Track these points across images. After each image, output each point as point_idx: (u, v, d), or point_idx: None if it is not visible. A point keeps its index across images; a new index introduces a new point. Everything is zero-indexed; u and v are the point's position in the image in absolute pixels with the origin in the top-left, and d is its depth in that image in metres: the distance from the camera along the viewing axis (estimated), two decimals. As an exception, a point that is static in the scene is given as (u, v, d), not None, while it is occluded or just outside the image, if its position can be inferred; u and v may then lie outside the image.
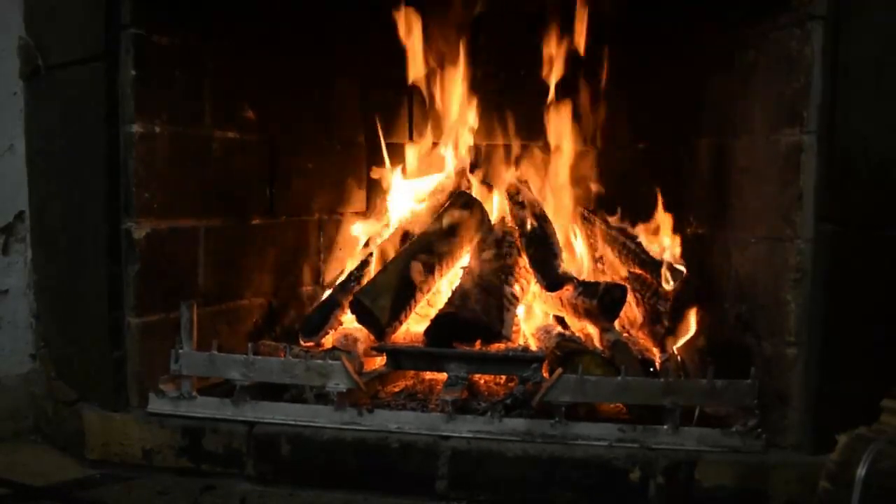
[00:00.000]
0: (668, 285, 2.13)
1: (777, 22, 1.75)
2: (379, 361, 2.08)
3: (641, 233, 2.31)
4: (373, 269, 2.36)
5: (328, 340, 2.23)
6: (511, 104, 2.64)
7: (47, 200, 2.09)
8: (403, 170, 2.69)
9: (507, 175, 2.61)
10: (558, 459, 1.72)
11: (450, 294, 2.25)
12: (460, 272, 2.37)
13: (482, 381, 2.07)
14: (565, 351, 2.00)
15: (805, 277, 1.70)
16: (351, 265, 2.47)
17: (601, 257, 2.45)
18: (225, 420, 1.84)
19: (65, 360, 2.08)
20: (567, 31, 2.42)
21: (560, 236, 2.39)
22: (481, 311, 2.10)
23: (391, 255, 2.37)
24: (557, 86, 2.49)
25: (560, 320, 2.30)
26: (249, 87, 2.17)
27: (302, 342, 2.22)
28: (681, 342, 2.07)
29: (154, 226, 1.91)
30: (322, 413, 1.82)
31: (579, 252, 2.49)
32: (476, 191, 2.58)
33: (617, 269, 2.36)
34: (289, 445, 1.79)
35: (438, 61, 2.56)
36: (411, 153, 2.72)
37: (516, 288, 2.25)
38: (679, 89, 2.22)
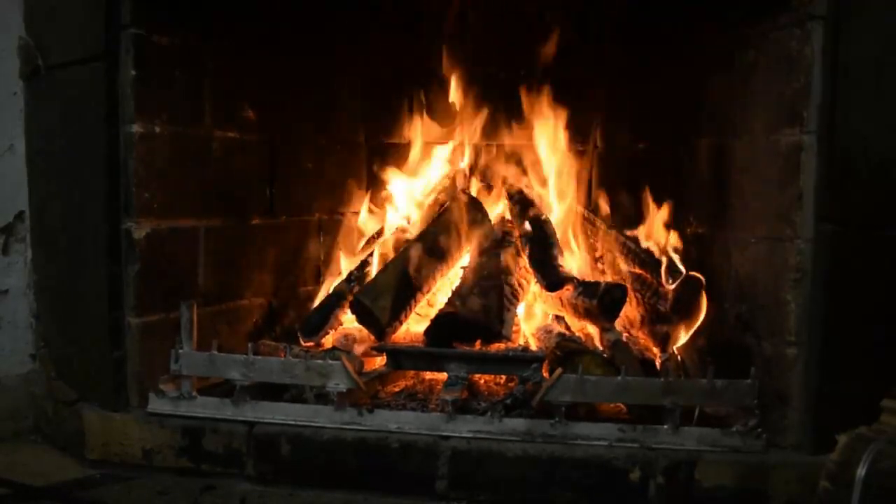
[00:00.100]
0: (669, 285, 2.13)
1: (777, 22, 1.75)
2: (379, 361, 2.08)
3: (642, 233, 2.31)
4: (373, 270, 2.36)
5: (328, 340, 2.23)
6: (511, 104, 2.63)
7: (47, 200, 2.09)
8: (404, 170, 2.69)
9: (507, 175, 2.61)
10: (558, 459, 1.72)
11: (450, 294, 2.25)
12: (460, 272, 2.37)
13: (482, 381, 2.07)
14: (565, 351, 2.00)
15: (805, 277, 1.70)
16: (351, 265, 2.47)
17: (601, 257, 2.45)
18: (225, 420, 1.84)
19: (65, 360, 2.08)
20: (567, 31, 2.41)
21: (560, 236, 2.39)
22: (481, 311, 2.10)
23: (391, 255, 2.37)
24: (558, 86, 2.49)
25: (560, 320, 2.30)
26: (249, 87, 2.17)
27: (302, 342, 2.22)
28: (681, 342, 2.07)
29: (154, 226, 1.91)
30: (322, 413, 1.82)
31: (579, 252, 2.49)
32: (476, 191, 2.58)
33: (617, 269, 2.36)
34: (289, 445, 1.79)
35: (439, 61, 2.56)
36: (411, 153, 2.71)
37: (517, 288, 2.24)
38: (679, 89, 2.22)
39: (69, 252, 2.01)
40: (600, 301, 2.11)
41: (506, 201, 2.54)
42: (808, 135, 1.69)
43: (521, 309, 2.31)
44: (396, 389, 2.03)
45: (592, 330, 2.20)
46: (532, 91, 2.52)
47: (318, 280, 2.52)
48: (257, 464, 1.80)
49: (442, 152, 2.68)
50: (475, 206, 2.45)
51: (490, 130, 2.69)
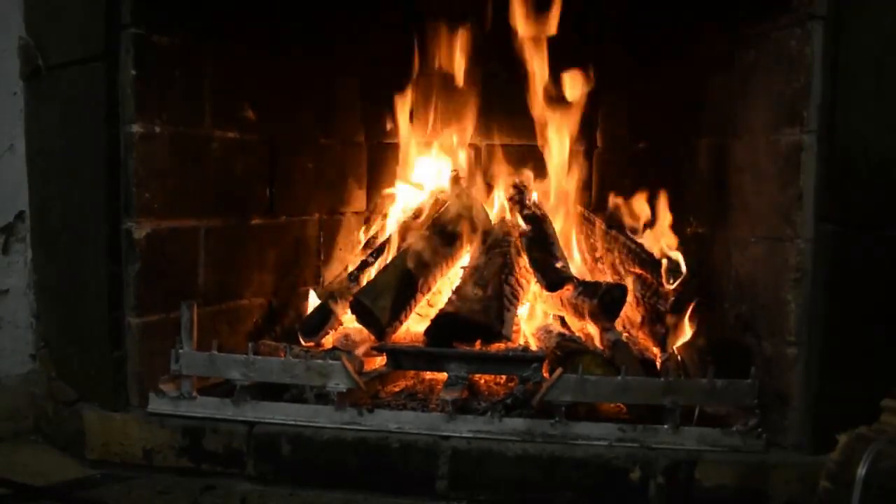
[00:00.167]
0: (669, 285, 2.13)
1: (777, 22, 1.75)
2: (379, 361, 2.08)
3: (641, 232, 2.31)
4: (373, 270, 2.36)
5: (328, 340, 2.23)
6: (511, 104, 2.63)
7: (47, 200, 2.09)
8: (403, 170, 2.69)
9: (508, 175, 2.61)
10: (558, 459, 1.72)
11: (450, 294, 2.25)
12: (460, 272, 2.37)
13: (482, 381, 2.07)
14: (565, 351, 2.00)
15: (805, 277, 1.70)
16: (351, 265, 2.47)
17: (601, 257, 2.45)
18: (225, 420, 1.84)
19: (65, 360, 2.08)
20: (567, 31, 2.41)
21: (560, 236, 2.39)
22: (481, 311, 2.10)
23: (391, 255, 2.37)
24: (558, 85, 2.49)
25: (560, 320, 2.30)
26: (249, 87, 2.17)
27: (302, 342, 2.22)
28: (680, 342, 2.07)
29: (154, 226, 1.91)
30: (322, 413, 1.82)
31: (579, 252, 2.49)
32: (476, 191, 2.58)
33: (617, 269, 2.36)
34: (289, 445, 1.79)
35: (439, 61, 2.56)
36: (411, 153, 2.71)
37: (517, 288, 2.25)
38: (679, 89, 2.22)
39: (69, 252, 2.01)
40: (600, 301, 2.11)
41: (506, 201, 2.54)
42: (808, 135, 1.69)
43: (521, 309, 2.31)
44: (396, 389, 2.03)
45: (592, 330, 2.20)
46: (532, 90, 2.52)
47: (318, 280, 2.52)
48: (257, 464, 1.81)
49: (442, 152, 2.68)
50: (475, 206, 2.45)
51: (490, 130, 2.69)
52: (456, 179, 2.59)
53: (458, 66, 2.56)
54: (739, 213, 1.93)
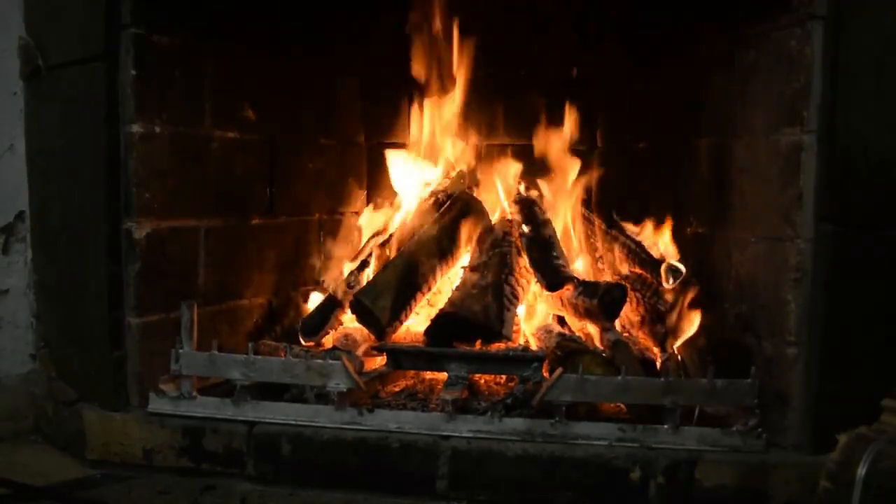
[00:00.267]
0: (668, 285, 2.13)
1: (777, 22, 1.75)
2: (379, 361, 2.08)
3: (641, 233, 2.31)
4: (373, 270, 2.37)
5: (328, 340, 2.23)
6: (511, 104, 2.64)
7: (48, 200, 2.09)
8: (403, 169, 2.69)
9: (508, 175, 2.61)
10: (558, 459, 1.72)
11: (450, 294, 2.25)
12: (460, 272, 2.37)
13: (482, 381, 2.07)
14: (566, 350, 2.00)
15: (805, 277, 1.70)
16: (351, 265, 2.47)
17: (601, 257, 2.45)
18: (225, 420, 1.84)
19: (65, 360, 2.08)
20: (567, 31, 2.42)
21: (560, 236, 2.39)
22: (481, 310, 2.10)
23: (391, 255, 2.37)
24: (558, 85, 2.49)
25: (560, 320, 2.30)
26: (249, 87, 2.17)
27: (302, 342, 2.22)
28: (680, 342, 2.07)
29: (154, 226, 1.91)
30: (322, 413, 1.82)
31: (579, 252, 2.50)
32: (476, 191, 2.58)
33: (617, 269, 2.37)
34: (289, 445, 1.79)
35: (440, 61, 2.56)
36: (411, 153, 2.72)
37: (517, 288, 2.25)
38: (679, 89, 2.22)
39: (69, 252, 2.01)
40: (600, 301, 2.11)
41: (506, 201, 2.54)
42: (808, 135, 1.69)
43: (521, 309, 2.31)
44: (397, 389, 2.03)
45: (592, 330, 2.20)
46: (532, 91, 2.52)
47: (318, 280, 2.52)
48: (258, 464, 1.81)
49: (442, 152, 2.68)
50: (475, 206, 2.45)
51: (490, 130, 2.69)
52: (456, 179, 2.59)
53: (458, 66, 2.56)
54: (739, 213, 1.93)
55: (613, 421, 1.79)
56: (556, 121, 2.53)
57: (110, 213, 1.87)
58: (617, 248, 2.35)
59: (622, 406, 1.89)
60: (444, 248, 2.34)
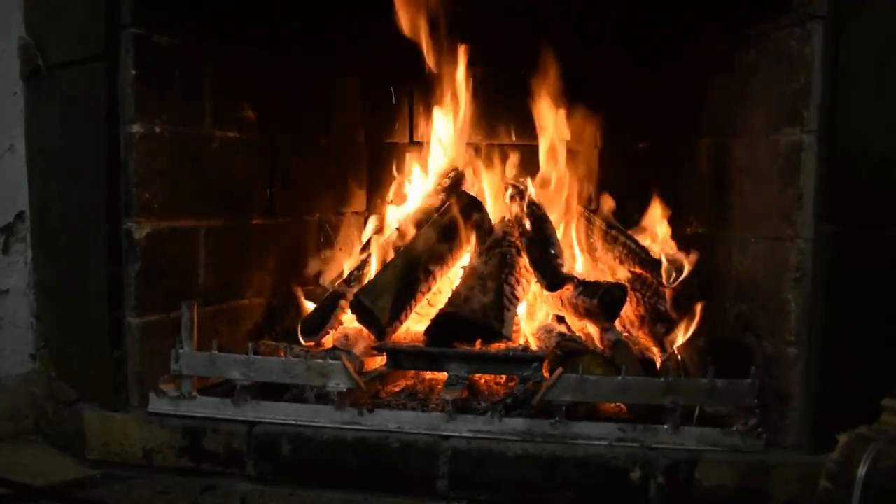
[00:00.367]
0: (668, 284, 2.13)
1: (777, 22, 1.75)
2: (379, 361, 2.08)
3: (642, 232, 2.31)
4: (373, 270, 2.37)
5: (328, 340, 2.23)
6: (511, 104, 2.64)
7: (48, 200, 2.09)
8: (403, 170, 2.69)
9: (508, 175, 2.61)
10: (558, 459, 1.72)
11: (450, 294, 2.25)
12: (460, 272, 2.37)
13: (482, 381, 2.07)
14: (566, 350, 2.00)
15: (805, 277, 1.70)
16: (351, 265, 2.47)
17: (601, 257, 2.45)
18: (225, 420, 1.84)
19: (65, 360, 2.08)
20: (568, 31, 2.42)
21: (560, 236, 2.39)
22: (481, 310, 2.10)
23: (391, 255, 2.37)
24: (558, 85, 2.49)
25: (560, 320, 2.30)
26: (249, 87, 2.17)
27: (302, 342, 2.22)
28: (680, 341, 2.07)
29: (154, 226, 1.91)
30: (322, 413, 1.82)
31: (579, 252, 2.49)
32: (476, 190, 2.58)
33: (617, 269, 2.36)
34: (289, 445, 1.79)
35: (439, 61, 2.56)
36: (411, 153, 2.72)
37: (517, 288, 2.24)
38: (679, 89, 2.22)
39: (69, 252, 2.01)
40: (600, 301, 2.11)
41: (506, 201, 2.54)
42: (808, 135, 1.69)
43: (521, 309, 2.31)
44: (397, 389, 2.03)
45: (592, 330, 2.20)
46: (532, 91, 2.52)
47: (318, 280, 2.52)
48: (258, 464, 1.81)
49: (442, 152, 2.68)
50: (475, 206, 2.45)
51: (490, 130, 2.69)
52: (456, 179, 2.59)
53: (458, 65, 2.56)
54: (739, 212, 1.93)
55: (613, 421, 1.79)
56: (556, 121, 2.53)
57: (110, 213, 1.87)
58: (617, 248, 2.35)
59: (622, 406, 1.89)
60: (444, 248, 2.34)
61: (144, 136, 1.88)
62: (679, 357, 2.05)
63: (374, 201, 2.74)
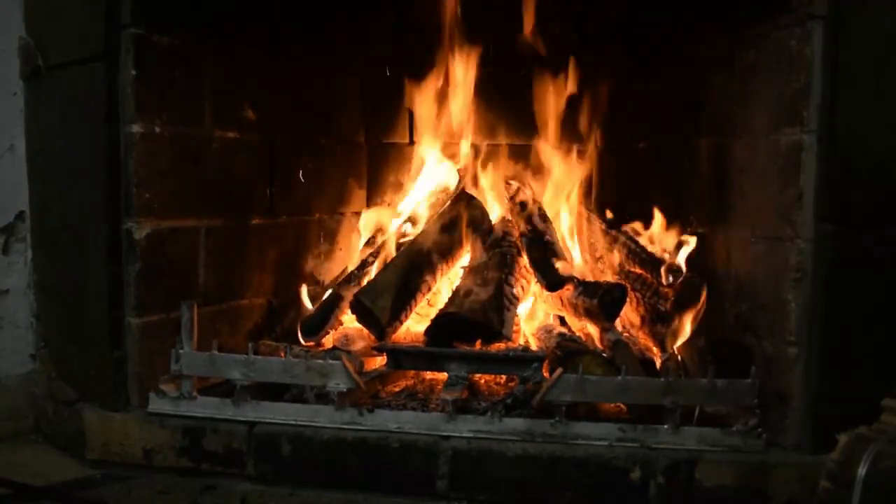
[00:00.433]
0: (668, 284, 2.13)
1: (777, 22, 1.75)
2: (379, 361, 2.08)
3: (641, 232, 2.31)
4: (373, 270, 2.37)
5: (328, 340, 2.23)
6: (511, 104, 2.64)
7: (48, 200, 2.09)
8: (404, 170, 2.69)
9: (508, 175, 2.61)
10: (559, 459, 1.72)
11: (450, 294, 2.25)
12: (460, 272, 2.37)
13: (482, 381, 2.08)
14: (566, 351, 2.00)
15: (805, 277, 1.70)
16: (351, 265, 2.47)
17: (601, 257, 2.45)
18: (225, 420, 1.84)
19: (65, 360, 2.08)
20: (568, 31, 2.42)
21: (560, 236, 2.39)
22: (481, 310, 2.10)
23: (391, 254, 2.37)
24: (558, 85, 2.49)
25: (560, 320, 2.30)
26: (249, 87, 2.17)
27: (302, 342, 2.22)
28: (681, 341, 2.07)
29: (154, 226, 1.91)
30: (322, 413, 1.82)
31: (579, 252, 2.49)
32: (476, 190, 2.58)
33: (617, 269, 2.36)
34: (289, 445, 1.79)
35: (439, 61, 2.57)
36: (412, 153, 2.72)
37: (517, 288, 2.25)
38: (679, 89, 2.22)
39: (70, 252, 2.01)
40: (600, 301, 2.11)
41: (506, 201, 2.54)
42: (808, 135, 1.69)
43: (521, 309, 2.31)
44: (397, 389, 2.03)
45: (592, 330, 2.20)
46: (532, 91, 2.52)
47: (317, 280, 2.52)
48: (258, 464, 1.81)
49: (442, 152, 2.68)
50: (475, 206, 2.45)
51: (490, 130, 2.69)
52: (456, 179, 2.59)
53: (458, 65, 2.56)
54: (739, 213, 1.93)
55: (613, 421, 1.79)
56: (556, 120, 2.53)
57: (110, 213, 1.87)
58: (617, 248, 2.35)
59: (622, 406, 1.89)
60: (444, 248, 2.34)
61: (144, 136, 1.88)
62: (679, 357, 2.05)
63: (374, 201, 2.74)
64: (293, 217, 2.40)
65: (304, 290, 2.37)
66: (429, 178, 2.67)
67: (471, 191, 2.55)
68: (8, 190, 2.13)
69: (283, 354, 1.90)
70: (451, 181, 2.61)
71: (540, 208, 2.43)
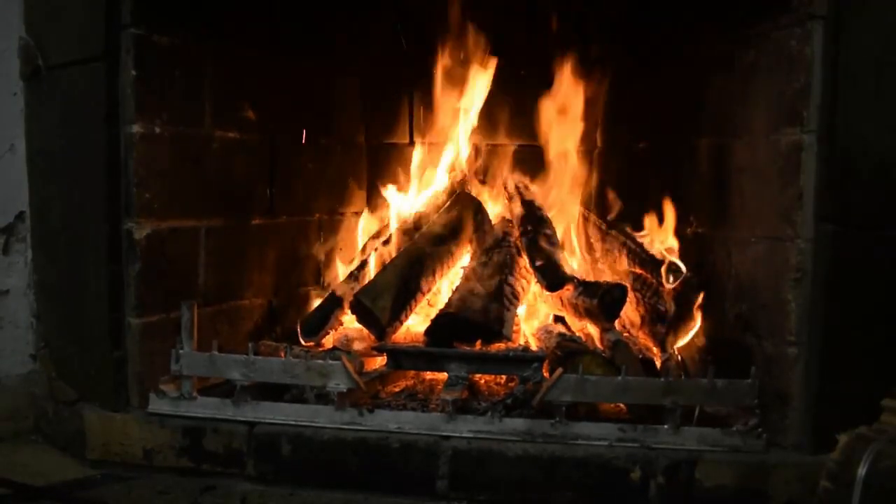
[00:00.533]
0: (668, 285, 2.13)
1: (778, 22, 1.75)
2: (379, 361, 2.08)
3: (641, 232, 2.31)
4: (373, 270, 2.37)
5: (328, 340, 2.23)
6: (512, 104, 2.64)
7: (48, 200, 2.09)
8: (404, 170, 2.69)
9: (508, 175, 2.61)
10: (559, 459, 1.72)
11: (450, 294, 2.25)
12: (460, 272, 2.37)
13: (482, 381, 2.08)
14: (566, 351, 2.00)
15: (805, 277, 1.70)
16: (351, 265, 2.47)
17: (601, 257, 2.45)
18: (225, 420, 1.84)
19: (65, 360, 2.08)
20: (568, 31, 2.42)
21: (560, 236, 2.39)
22: (481, 311, 2.10)
23: (391, 254, 2.37)
24: (558, 85, 2.49)
25: (560, 320, 2.30)
26: (249, 87, 2.17)
27: (302, 342, 2.22)
28: (681, 342, 2.07)
29: (155, 226, 1.91)
30: (322, 413, 1.82)
31: (579, 252, 2.49)
32: (476, 191, 2.58)
33: (617, 269, 2.37)
34: (289, 445, 1.79)
35: (439, 60, 2.57)
36: (411, 153, 2.72)
37: (517, 288, 2.25)
38: (679, 89, 2.22)
39: (70, 252, 2.01)
40: (600, 301, 2.11)
41: (506, 201, 2.54)
42: (808, 135, 1.69)
43: (521, 309, 2.31)
44: (397, 389, 2.03)
45: (592, 330, 2.20)
46: (532, 91, 2.52)
47: (318, 280, 2.52)
48: (258, 464, 1.81)
49: (442, 152, 2.68)
50: (475, 206, 2.45)
51: (490, 130, 2.69)
52: (456, 179, 2.59)
53: (458, 65, 2.56)
54: (739, 213, 1.93)
55: (613, 421, 1.79)
56: (556, 120, 2.53)
57: (110, 213, 1.87)
58: (617, 248, 2.35)
59: (622, 406, 1.89)
60: (444, 248, 2.34)
61: (144, 137, 1.88)
62: (679, 357, 2.05)
63: (374, 201, 2.74)
64: (293, 217, 2.40)
65: (305, 292, 2.37)
66: (429, 178, 2.67)
67: (471, 191, 2.55)
68: (8, 190, 2.13)
69: (283, 355, 1.91)
70: (452, 181, 2.60)
71: (540, 208, 2.43)
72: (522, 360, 1.90)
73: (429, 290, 2.32)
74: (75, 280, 1.98)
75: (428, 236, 2.35)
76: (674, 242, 2.20)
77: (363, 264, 2.41)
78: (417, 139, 2.76)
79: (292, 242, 2.41)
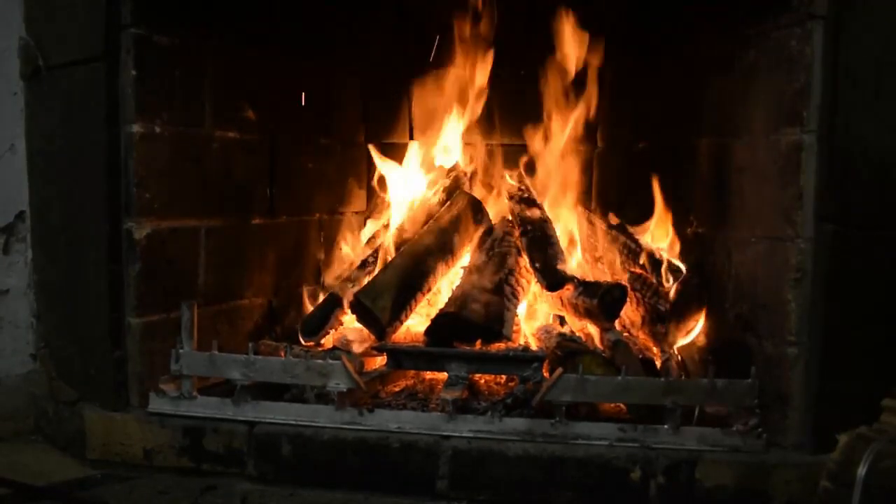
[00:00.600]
0: (668, 285, 2.13)
1: (778, 22, 1.75)
2: (379, 361, 2.08)
3: (641, 232, 2.31)
4: (373, 270, 2.36)
5: (328, 340, 2.23)
6: (511, 103, 2.64)
7: (48, 200, 2.09)
8: (404, 170, 2.69)
9: (508, 174, 2.61)
10: (559, 459, 1.72)
11: (450, 294, 2.25)
12: (460, 272, 2.37)
13: (482, 381, 2.08)
14: (566, 351, 2.00)
15: (805, 277, 1.70)
16: (351, 265, 2.47)
17: (601, 257, 2.45)
18: (226, 420, 1.84)
19: (65, 360, 2.08)
20: (568, 30, 2.42)
21: (560, 236, 2.39)
22: (482, 310, 2.10)
23: (391, 254, 2.37)
24: (558, 85, 2.49)
25: (560, 320, 2.30)
26: (249, 87, 2.17)
27: (302, 342, 2.22)
28: (681, 342, 2.07)
29: (155, 226, 1.91)
30: (323, 413, 1.82)
31: (579, 252, 2.49)
32: (476, 190, 2.58)
33: (617, 269, 2.36)
34: (289, 445, 1.79)
35: (438, 60, 2.57)
36: (411, 153, 2.72)
37: (517, 287, 2.25)
38: (679, 89, 2.22)
39: (70, 252, 2.01)
40: (600, 301, 2.11)
41: (506, 201, 2.54)
42: (808, 134, 1.69)
43: (521, 309, 2.31)
44: (397, 389, 2.03)
45: (593, 330, 2.20)
46: (532, 90, 2.52)
47: (318, 280, 2.52)
48: (258, 463, 1.81)
49: (442, 152, 2.68)
50: (475, 206, 2.45)
51: (490, 129, 2.69)
52: (456, 179, 2.59)
53: (458, 65, 2.56)
54: (739, 212, 1.93)
55: (614, 421, 1.79)
56: (556, 120, 2.53)
57: (110, 213, 1.87)
58: (617, 248, 2.35)
59: (622, 406, 1.89)
60: (444, 248, 2.34)
61: (144, 136, 1.88)
62: (679, 357, 2.05)
63: (374, 201, 2.74)
64: (293, 217, 2.41)
65: (305, 291, 2.37)
66: (429, 177, 2.67)
67: (471, 190, 2.55)
68: (8, 190, 2.13)
69: (283, 354, 1.90)
70: (452, 181, 2.60)
71: (540, 208, 2.43)
72: (522, 359, 1.90)
73: (429, 290, 2.32)
74: (75, 280, 1.98)
75: (428, 236, 2.35)
76: (674, 242, 2.21)
77: (363, 264, 2.41)
78: (417, 138, 2.76)
79: (292, 242, 2.41)
